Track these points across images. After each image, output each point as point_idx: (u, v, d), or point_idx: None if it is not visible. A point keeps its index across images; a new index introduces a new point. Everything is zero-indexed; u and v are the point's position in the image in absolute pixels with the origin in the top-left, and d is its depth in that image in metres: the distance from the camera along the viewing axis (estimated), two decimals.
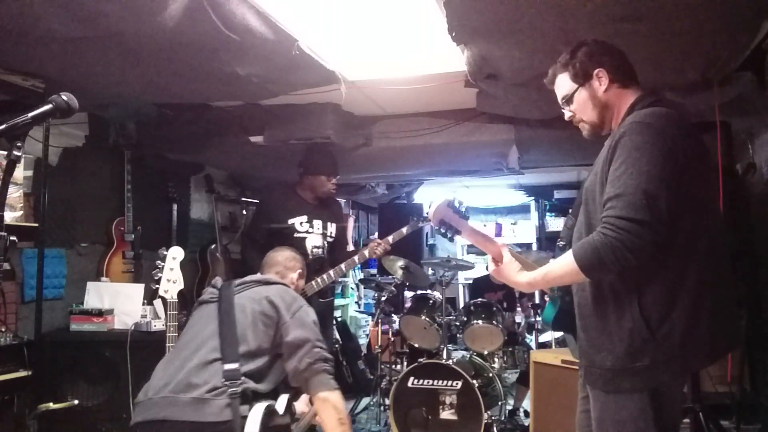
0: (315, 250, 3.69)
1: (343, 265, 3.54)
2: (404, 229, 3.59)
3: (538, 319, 4.56)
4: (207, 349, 2.09)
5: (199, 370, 2.02)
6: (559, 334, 4.24)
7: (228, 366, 2.01)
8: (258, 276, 2.51)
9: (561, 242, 1.83)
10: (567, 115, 1.87)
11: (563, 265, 1.61)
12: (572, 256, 1.57)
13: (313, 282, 3.50)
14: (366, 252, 3.57)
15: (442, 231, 1.72)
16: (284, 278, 2.60)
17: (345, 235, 4.05)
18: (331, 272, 3.52)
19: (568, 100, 1.82)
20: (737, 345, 1.74)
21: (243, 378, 2.01)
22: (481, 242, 1.73)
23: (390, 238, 3.59)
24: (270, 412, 2.02)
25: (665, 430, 1.58)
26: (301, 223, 3.70)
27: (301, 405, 2.46)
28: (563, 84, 1.84)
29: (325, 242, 3.74)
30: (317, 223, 3.72)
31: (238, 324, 2.17)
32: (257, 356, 2.13)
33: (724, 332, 1.62)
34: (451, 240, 1.81)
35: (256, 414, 1.97)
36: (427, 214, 1.80)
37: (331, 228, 3.79)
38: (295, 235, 3.67)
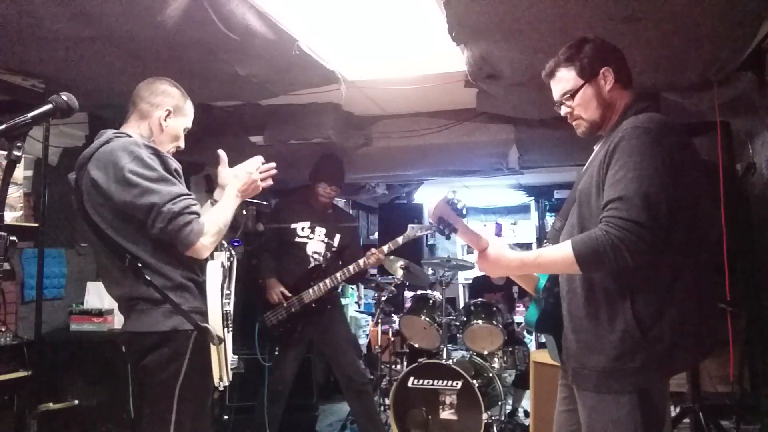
0: (315, 255, 3.71)
1: (338, 275, 3.54)
2: (399, 239, 3.59)
3: None
4: None
5: None
6: None
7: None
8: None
9: (547, 243, 1.82)
10: (564, 110, 1.81)
11: (559, 252, 1.60)
12: (570, 246, 1.56)
13: (309, 290, 3.54)
14: (361, 262, 3.56)
15: (441, 228, 1.70)
16: (146, 118, 2.08)
17: (356, 251, 3.88)
18: (327, 281, 3.54)
19: (572, 95, 1.77)
20: (719, 346, 1.75)
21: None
22: (473, 240, 1.72)
23: (385, 248, 3.58)
24: None
25: (653, 430, 1.59)
26: (302, 228, 3.72)
27: None
28: (566, 78, 1.78)
29: (328, 252, 3.75)
30: (320, 231, 3.74)
31: None
32: None
33: (708, 334, 1.64)
34: (448, 238, 1.79)
35: None
36: (429, 217, 1.76)
37: (336, 239, 3.79)
38: (296, 239, 3.70)
